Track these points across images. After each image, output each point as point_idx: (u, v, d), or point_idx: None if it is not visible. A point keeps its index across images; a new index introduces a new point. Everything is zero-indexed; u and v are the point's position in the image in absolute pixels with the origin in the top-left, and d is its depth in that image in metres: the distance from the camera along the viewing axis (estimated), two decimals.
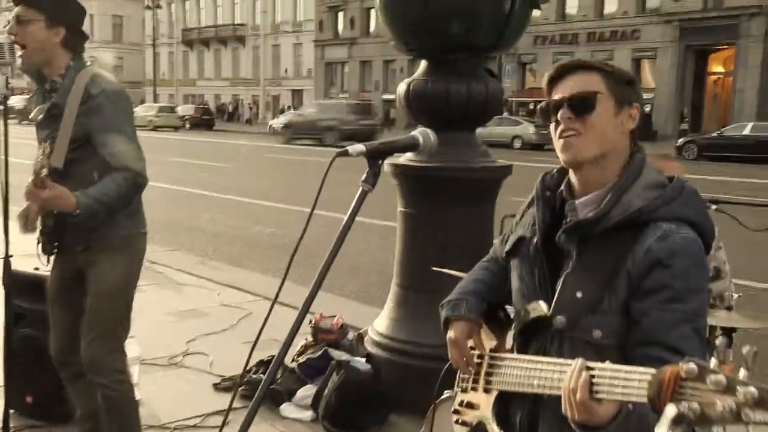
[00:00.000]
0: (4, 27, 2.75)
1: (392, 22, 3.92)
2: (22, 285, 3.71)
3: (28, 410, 3.66)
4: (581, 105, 1.62)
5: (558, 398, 1.48)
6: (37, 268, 3.22)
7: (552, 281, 1.71)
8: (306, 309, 1.60)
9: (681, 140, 27.85)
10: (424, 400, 3.76)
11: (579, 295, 1.61)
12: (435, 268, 3.36)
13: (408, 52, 4.06)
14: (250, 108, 58.61)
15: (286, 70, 59.28)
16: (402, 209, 4.07)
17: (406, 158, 4.00)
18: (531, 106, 40.24)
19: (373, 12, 50.52)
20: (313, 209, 1.67)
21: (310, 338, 4.37)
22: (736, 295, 2.85)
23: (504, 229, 4.05)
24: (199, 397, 4.09)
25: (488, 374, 1.83)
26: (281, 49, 59.66)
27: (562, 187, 1.76)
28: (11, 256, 2.96)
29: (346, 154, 1.60)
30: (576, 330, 1.62)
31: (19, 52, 2.72)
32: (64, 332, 3.03)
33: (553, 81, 1.69)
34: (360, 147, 1.60)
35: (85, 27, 2.91)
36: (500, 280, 1.98)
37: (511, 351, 1.82)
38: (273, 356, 4.42)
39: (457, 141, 3.96)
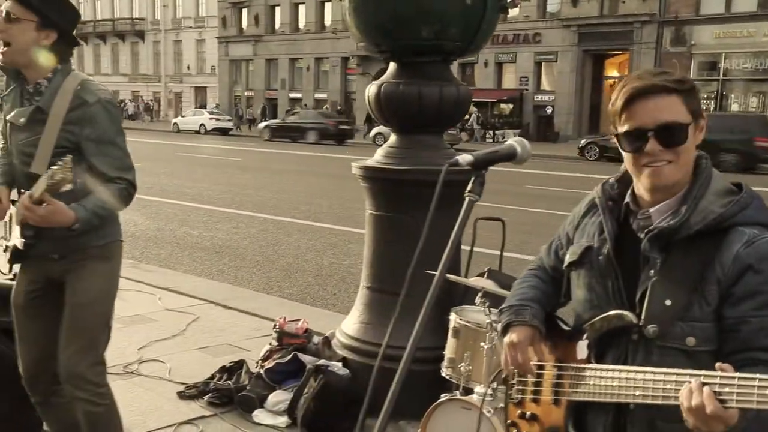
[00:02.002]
0: None
1: (363, 24, 3.91)
2: None
3: None
4: (671, 137, 1.63)
5: (648, 406, 1.54)
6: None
7: (627, 290, 1.73)
8: (415, 345, 1.56)
9: (583, 141, 28.97)
10: (404, 404, 3.80)
11: (668, 303, 1.63)
12: (429, 271, 3.40)
13: (378, 53, 4.06)
14: (150, 105, 56.85)
15: (188, 67, 57.80)
16: (371, 212, 4.07)
17: (376, 161, 4.01)
18: None
19: (278, 9, 50.12)
20: (422, 240, 1.65)
21: (274, 343, 4.30)
22: None
23: (476, 232, 4.13)
24: (165, 405, 3.95)
25: (557, 385, 1.82)
26: (183, 44, 58.11)
27: (628, 199, 1.79)
28: None
29: (457, 164, 1.60)
30: (668, 338, 1.64)
31: (4, 46, 2.55)
32: (35, 348, 2.86)
33: (629, 102, 1.65)
34: (469, 157, 1.60)
35: None
36: (552, 290, 2.00)
37: (587, 361, 1.79)
38: (235, 362, 4.37)
39: (426, 143, 3.99)
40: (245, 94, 52.80)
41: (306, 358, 4.07)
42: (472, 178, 1.61)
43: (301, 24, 49.41)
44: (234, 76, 53.90)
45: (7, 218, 2.75)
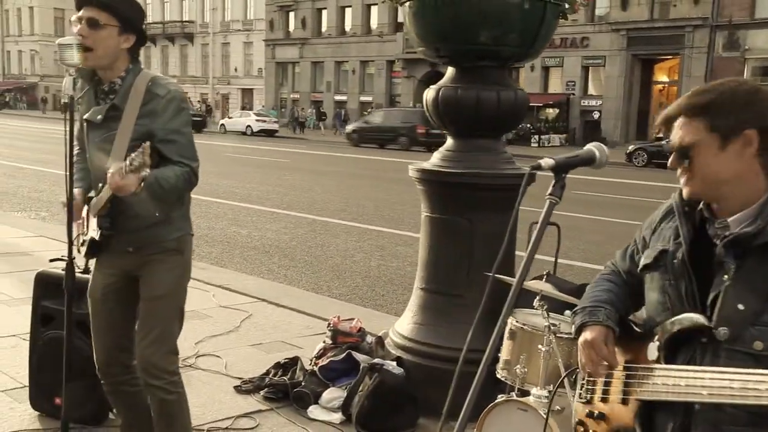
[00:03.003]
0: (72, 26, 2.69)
1: (422, 28, 3.97)
2: (49, 285, 3.65)
3: (56, 412, 3.57)
4: (681, 155, 1.78)
5: (714, 406, 1.56)
6: (87, 270, 3.15)
7: (701, 294, 1.76)
8: (494, 348, 1.62)
9: (631, 147, 28.60)
10: (457, 405, 3.83)
11: (741, 307, 1.66)
12: (488, 274, 3.44)
13: (438, 58, 4.11)
14: (210, 107, 57.57)
15: (236, 69, 58.62)
16: (428, 214, 4.12)
17: (433, 164, 4.06)
18: None
19: (324, 13, 50.50)
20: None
21: (328, 341, 4.38)
22: None
23: (532, 235, 4.14)
24: (223, 399, 4.06)
25: (626, 385, 1.86)
26: (231, 47, 58.96)
27: (702, 206, 1.82)
28: (74, 258, 2.90)
29: (539, 168, 1.64)
30: (737, 342, 1.66)
31: (88, 51, 2.66)
32: (108, 338, 2.99)
33: (667, 124, 1.81)
34: (550, 161, 1.65)
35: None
36: (626, 294, 2.02)
37: (657, 362, 1.82)
38: (289, 359, 4.45)
39: (483, 147, 4.03)
40: (291, 96, 53.32)
41: (360, 357, 4.14)
42: (553, 181, 1.65)
43: (347, 27, 49.74)
44: (280, 79, 54.48)
45: (84, 214, 2.88)
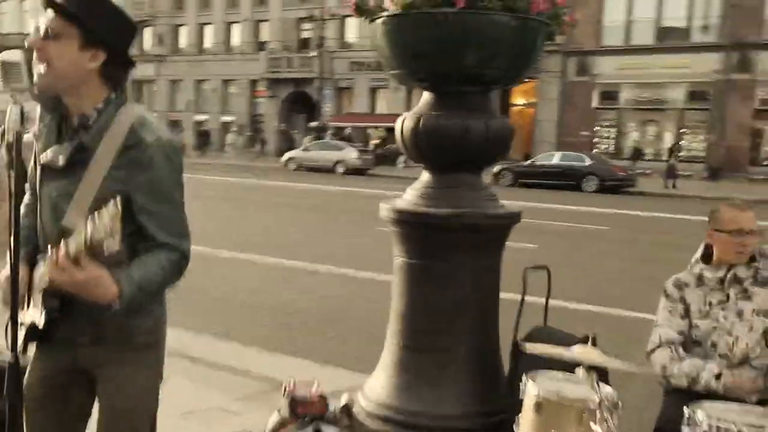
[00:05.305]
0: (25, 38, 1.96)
1: (398, 48, 3.45)
2: None
3: None
4: None
5: None
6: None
7: None
8: None
9: (497, 167, 29.27)
10: None
11: None
12: (525, 343, 2.95)
13: (415, 81, 3.61)
14: None
15: None
16: (402, 259, 3.58)
17: (410, 202, 3.54)
18: (348, 131, 40.41)
19: (182, 30, 48.77)
20: None
21: (285, 412, 3.72)
22: None
23: (527, 281, 3.69)
24: None
25: None
26: None
27: None
28: (19, 356, 2.09)
29: None
30: None
31: (41, 68, 1.94)
32: None
33: None
34: None
35: None
36: None
37: None
38: None
39: (466, 183, 3.57)
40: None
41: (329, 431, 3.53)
42: None
43: (207, 45, 48.25)
44: (135, 97, 51.84)
45: (22, 288, 2.08)
